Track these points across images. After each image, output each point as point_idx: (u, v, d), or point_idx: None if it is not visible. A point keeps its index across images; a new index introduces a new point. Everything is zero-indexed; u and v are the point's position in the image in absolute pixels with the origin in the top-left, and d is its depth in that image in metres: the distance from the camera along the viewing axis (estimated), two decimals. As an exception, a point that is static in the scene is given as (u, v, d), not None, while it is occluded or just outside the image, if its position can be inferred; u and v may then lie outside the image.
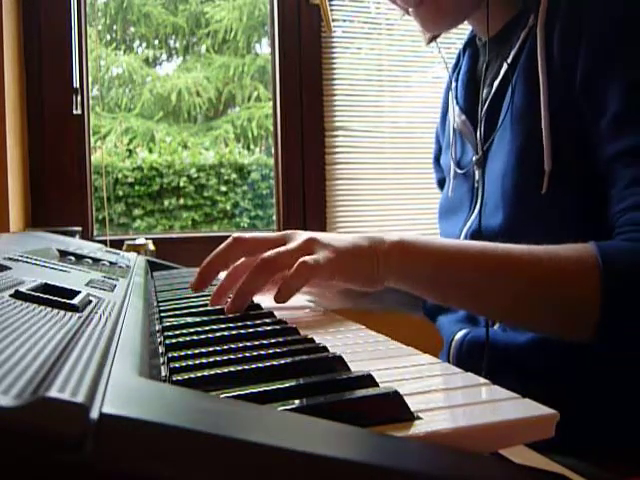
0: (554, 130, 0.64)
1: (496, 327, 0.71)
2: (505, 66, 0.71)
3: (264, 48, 2.66)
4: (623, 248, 0.54)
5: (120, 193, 2.25)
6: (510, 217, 0.67)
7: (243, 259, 0.61)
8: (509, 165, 0.67)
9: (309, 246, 0.55)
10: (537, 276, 0.55)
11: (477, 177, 0.76)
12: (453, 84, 0.85)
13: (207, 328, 0.45)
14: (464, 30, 0.87)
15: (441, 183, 0.95)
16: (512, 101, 0.69)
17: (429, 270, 0.57)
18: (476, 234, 0.72)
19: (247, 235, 0.60)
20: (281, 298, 0.53)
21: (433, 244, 0.58)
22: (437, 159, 0.96)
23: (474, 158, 0.77)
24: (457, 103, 0.82)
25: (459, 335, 0.73)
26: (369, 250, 0.56)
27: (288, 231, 0.61)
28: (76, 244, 0.92)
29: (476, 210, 0.74)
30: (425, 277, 0.57)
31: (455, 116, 0.82)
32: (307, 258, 0.53)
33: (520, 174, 0.66)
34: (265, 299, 0.64)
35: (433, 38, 0.85)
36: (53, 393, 0.16)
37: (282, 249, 0.55)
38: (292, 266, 0.53)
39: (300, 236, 0.58)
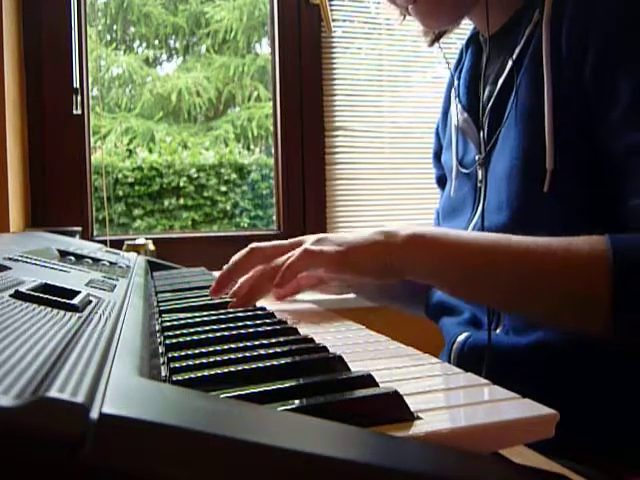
0: (558, 128, 0.63)
1: (498, 331, 0.70)
2: (510, 64, 0.70)
3: (264, 48, 2.66)
4: (637, 239, 0.53)
5: (120, 193, 2.25)
6: (514, 218, 0.66)
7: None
8: (513, 165, 0.66)
9: (320, 243, 0.58)
10: (549, 268, 0.55)
11: (480, 177, 0.75)
12: (455, 82, 0.84)
13: (207, 328, 0.45)
14: (465, 28, 0.86)
15: (440, 181, 0.94)
16: (517, 100, 0.68)
17: (445, 261, 0.58)
18: None
19: (264, 244, 0.63)
20: (282, 280, 0.56)
21: (448, 235, 0.59)
22: (437, 156, 0.94)
23: (477, 157, 0.76)
24: (459, 101, 0.81)
25: (461, 338, 0.73)
26: (383, 244, 0.57)
27: (305, 236, 0.64)
28: (76, 244, 0.92)
29: (479, 210, 0.73)
30: (441, 268, 0.58)
31: (457, 113, 0.80)
32: (312, 247, 0.57)
33: (525, 174, 0.65)
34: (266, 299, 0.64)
35: (435, 39, 0.84)
36: (53, 393, 0.16)
37: (293, 251, 0.58)
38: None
39: (313, 237, 0.61)
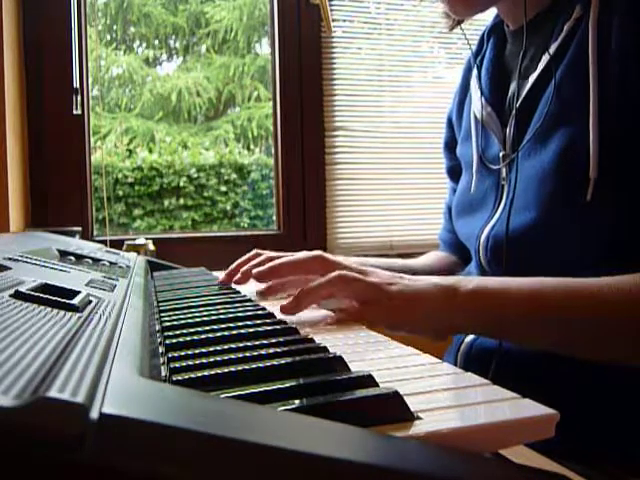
0: (602, 134, 0.59)
1: None
2: (545, 59, 0.67)
3: (264, 48, 2.66)
4: None
5: (120, 193, 2.25)
6: (542, 221, 0.64)
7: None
8: (548, 167, 0.63)
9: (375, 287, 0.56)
10: (618, 309, 0.53)
11: (504, 174, 0.72)
12: (475, 71, 0.81)
13: (207, 328, 0.45)
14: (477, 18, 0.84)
15: (451, 171, 0.92)
16: (555, 98, 0.64)
17: (511, 317, 0.56)
18: (500, 235, 0.69)
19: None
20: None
21: (509, 288, 0.56)
22: (448, 146, 0.92)
23: (502, 154, 0.73)
24: (482, 94, 0.78)
25: (468, 339, 0.73)
26: (445, 302, 0.55)
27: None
28: (76, 244, 0.92)
29: (500, 209, 0.71)
30: (506, 324, 0.57)
31: (481, 107, 0.77)
32: (376, 282, 0.55)
33: (560, 178, 0.62)
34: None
35: (457, 24, 0.81)
36: (53, 393, 0.16)
37: (360, 277, 0.56)
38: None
39: (374, 275, 0.58)
